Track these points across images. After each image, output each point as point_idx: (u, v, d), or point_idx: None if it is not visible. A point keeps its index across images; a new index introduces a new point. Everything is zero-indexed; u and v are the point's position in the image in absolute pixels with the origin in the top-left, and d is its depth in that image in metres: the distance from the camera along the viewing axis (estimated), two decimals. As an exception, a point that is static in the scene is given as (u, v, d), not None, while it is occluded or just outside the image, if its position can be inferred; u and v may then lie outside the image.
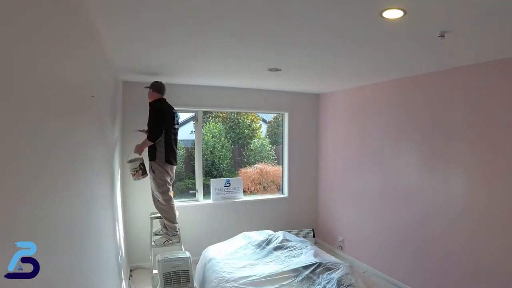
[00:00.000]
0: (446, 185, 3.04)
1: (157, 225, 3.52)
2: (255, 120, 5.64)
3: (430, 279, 3.17)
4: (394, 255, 3.62)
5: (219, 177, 4.90)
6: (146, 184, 3.99)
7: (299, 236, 3.57)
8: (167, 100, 3.32)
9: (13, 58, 0.78)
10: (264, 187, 5.35)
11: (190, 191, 4.50)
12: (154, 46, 2.47)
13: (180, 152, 4.96)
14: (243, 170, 5.40)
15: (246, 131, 5.51)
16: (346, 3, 1.62)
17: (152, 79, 3.37)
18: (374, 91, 3.93)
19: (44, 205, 0.98)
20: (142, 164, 3.16)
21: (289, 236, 3.36)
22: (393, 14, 1.70)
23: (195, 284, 3.05)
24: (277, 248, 3.04)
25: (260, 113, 5.48)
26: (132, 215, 3.93)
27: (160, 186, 3.16)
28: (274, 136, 5.48)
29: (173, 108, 3.32)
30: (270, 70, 3.20)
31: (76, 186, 1.42)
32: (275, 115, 5.30)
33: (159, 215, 3.36)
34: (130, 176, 3.23)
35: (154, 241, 3.34)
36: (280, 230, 3.73)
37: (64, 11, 1.26)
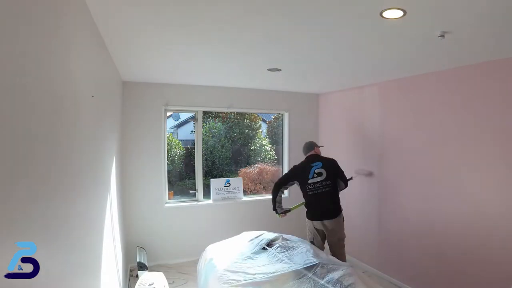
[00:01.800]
0: (445, 184, 3.04)
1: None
2: (255, 120, 5.64)
3: (429, 280, 3.17)
4: (394, 255, 3.62)
5: (219, 177, 4.90)
6: (144, 184, 4.01)
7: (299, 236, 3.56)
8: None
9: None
10: (264, 187, 5.35)
11: (190, 191, 4.49)
12: (156, 48, 2.46)
13: (180, 152, 4.96)
14: (243, 170, 5.39)
15: (246, 131, 5.51)
16: (346, 3, 1.62)
17: (151, 79, 3.35)
18: (375, 91, 3.92)
19: (45, 205, 0.98)
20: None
21: (289, 236, 3.35)
22: (393, 14, 1.70)
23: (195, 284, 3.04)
24: (277, 248, 3.03)
25: (260, 113, 5.48)
26: (131, 215, 3.92)
27: None
28: (274, 136, 5.48)
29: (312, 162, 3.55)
30: (270, 70, 3.20)
31: (76, 186, 1.42)
32: (275, 115, 5.30)
33: None
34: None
35: None
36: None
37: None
